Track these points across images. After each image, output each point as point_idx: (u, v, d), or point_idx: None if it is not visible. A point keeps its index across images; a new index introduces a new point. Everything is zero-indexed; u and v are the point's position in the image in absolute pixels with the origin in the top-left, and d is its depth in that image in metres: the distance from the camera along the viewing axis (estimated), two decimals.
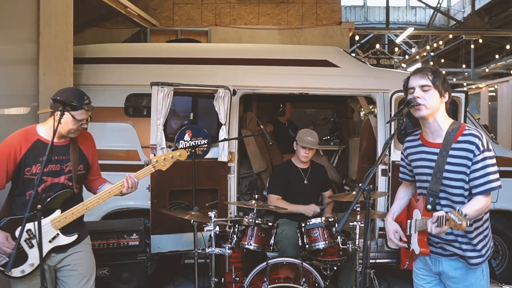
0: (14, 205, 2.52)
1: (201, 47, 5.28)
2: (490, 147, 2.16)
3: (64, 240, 2.56)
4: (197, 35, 7.96)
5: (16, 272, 2.44)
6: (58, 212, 2.53)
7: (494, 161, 2.14)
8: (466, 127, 2.19)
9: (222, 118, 4.08)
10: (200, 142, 4.04)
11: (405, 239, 2.35)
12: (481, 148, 2.11)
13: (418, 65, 15.36)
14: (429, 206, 2.18)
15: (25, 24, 3.63)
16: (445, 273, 2.26)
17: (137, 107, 4.62)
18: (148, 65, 4.48)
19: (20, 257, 2.41)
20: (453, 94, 4.00)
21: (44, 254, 2.44)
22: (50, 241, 2.51)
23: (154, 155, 3.87)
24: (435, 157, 2.20)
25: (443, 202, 2.19)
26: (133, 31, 8.08)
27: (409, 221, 2.35)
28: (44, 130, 2.57)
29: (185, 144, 3.98)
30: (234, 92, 4.25)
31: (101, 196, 2.60)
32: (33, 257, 2.45)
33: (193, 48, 4.93)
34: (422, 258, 2.33)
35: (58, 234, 2.53)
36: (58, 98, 2.42)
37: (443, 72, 15.66)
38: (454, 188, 2.17)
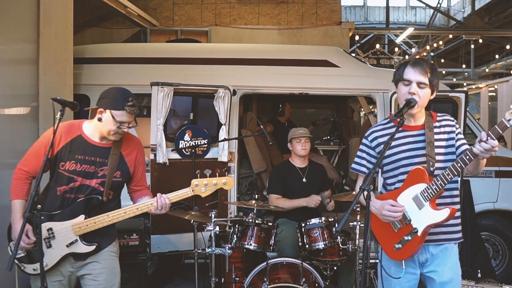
0: (48, 198, 2.45)
1: (201, 47, 5.28)
2: None
3: (82, 248, 2.42)
4: (197, 35, 7.96)
5: (29, 268, 2.39)
6: (81, 217, 2.40)
7: None
8: (437, 114, 2.37)
9: (222, 118, 4.08)
10: (200, 142, 4.04)
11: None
12: (458, 125, 2.36)
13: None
14: (431, 169, 2.17)
15: (25, 24, 3.63)
16: (432, 259, 2.27)
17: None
18: (148, 65, 4.48)
19: (36, 255, 2.34)
20: (453, 94, 4.02)
21: (60, 257, 2.39)
22: (67, 246, 2.40)
23: (156, 157, 3.87)
24: (422, 137, 2.27)
25: (438, 165, 2.19)
26: (133, 31, 8.08)
27: (404, 209, 2.16)
28: (89, 128, 2.48)
29: (185, 144, 3.98)
30: (234, 92, 4.25)
31: (126, 211, 2.42)
32: (48, 257, 2.37)
33: (193, 48, 4.93)
34: None
35: (77, 240, 2.40)
36: (58, 98, 2.40)
37: (443, 72, 15.67)
38: (445, 161, 2.23)
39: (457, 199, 2.33)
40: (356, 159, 2.43)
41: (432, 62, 2.40)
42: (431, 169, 2.17)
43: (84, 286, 2.52)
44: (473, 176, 3.24)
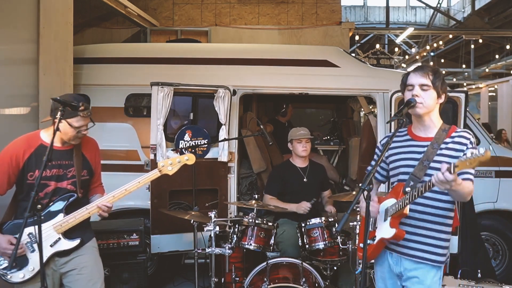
0: (19, 210, 2.51)
1: (201, 47, 5.28)
2: None
3: (66, 244, 2.51)
4: (197, 35, 7.96)
5: (16, 277, 2.41)
6: (60, 216, 2.50)
7: None
8: (457, 128, 2.26)
9: (222, 118, 4.08)
10: (200, 142, 4.04)
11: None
12: (474, 145, 2.19)
13: (418, 65, 15.33)
14: (407, 189, 2.16)
15: (25, 24, 3.63)
16: (405, 273, 2.26)
17: (137, 107, 4.62)
18: (148, 65, 4.48)
19: (20, 261, 2.39)
20: (453, 94, 4.02)
21: (45, 258, 2.41)
22: (51, 246, 2.47)
23: (156, 157, 3.87)
24: (423, 149, 2.24)
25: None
26: (133, 31, 8.08)
27: (371, 218, 2.31)
28: (47, 136, 2.56)
29: (185, 144, 3.98)
30: (234, 92, 4.25)
31: (99, 204, 2.55)
32: (34, 261, 2.42)
33: (193, 48, 4.93)
34: (384, 258, 2.34)
35: (59, 238, 2.49)
36: (58, 98, 2.41)
37: (443, 72, 15.67)
38: None
39: (445, 226, 2.24)
40: (372, 162, 2.49)
41: (436, 67, 2.39)
42: (407, 189, 2.16)
43: (69, 283, 2.57)
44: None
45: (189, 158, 2.75)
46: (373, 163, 2.44)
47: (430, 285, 2.23)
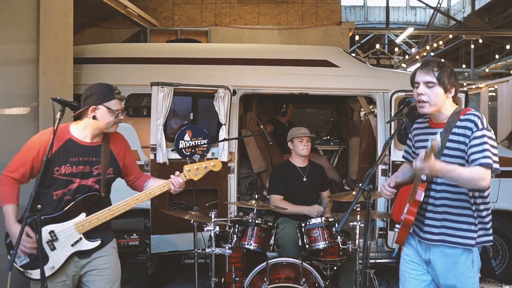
0: (41, 203, 2.39)
1: (201, 47, 5.28)
2: (489, 127, 2.16)
3: (86, 245, 2.47)
4: (197, 35, 7.96)
5: (36, 274, 2.35)
6: (83, 215, 2.45)
7: (494, 142, 2.14)
8: (469, 110, 2.21)
9: (222, 118, 4.08)
10: (200, 142, 4.04)
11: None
12: (480, 126, 2.12)
13: (418, 65, 15.31)
14: (423, 177, 2.16)
15: (25, 24, 3.63)
16: (435, 260, 2.26)
17: (137, 107, 4.62)
18: (148, 65, 4.47)
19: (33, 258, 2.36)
20: None
21: (66, 257, 2.42)
22: (72, 245, 2.43)
23: (156, 157, 3.87)
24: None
25: (438, 179, 2.19)
26: (133, 31, 8.08)
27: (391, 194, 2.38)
28: (77, 130, 2.50)
29: (185, 144, 3.98)
30: (234, 92, 4.25)
31: (128, 203, 2.53)
32: (54, 259, 2.40)
33: (193, 48, 4.93)
34: (413, 243, 2.35)
35: (81, 238, 2.45)
36: (58, 98, 2.41)
37: None
38: (451, 159, 2.16)
39: (465, 209, 2.21)
40: (405, 148, 2.54)
41: (442, 61, 2.38)
42: (423, 177, 2.16)
43: (88, 283, 2.53)
44: None
45: (215, 165, 2.68)
46: (406, 148, 2.53)
47: (463, 271, 2.21)
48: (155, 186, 2.61)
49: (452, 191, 2.20)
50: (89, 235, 2.47)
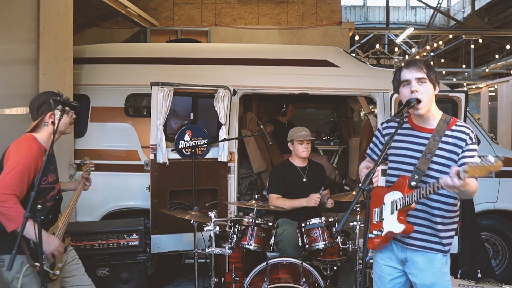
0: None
1: (201, 47, 5.27)
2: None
3: (67, 241, 2.75)
4: (197, 35, 7.95)
5: (54, 274, 2.55)
6: (61, 216, 2.70)
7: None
8: (458, 121, 2.26)
9: (222, 118, 4.08)
10: (200, 142, 4.04)
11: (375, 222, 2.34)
12: (474, 140, 2.19)
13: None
14: (413, 183, 2.17)
15: (25, 24, 3.63)
16: (411, 259, 2.29)
17: (137, 107, 4.62)
18: (148, 65, 4.47)
19: (54, 260, 2.55)
20: (453, 94, 4.02)
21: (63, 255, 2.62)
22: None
23: (156, 157, 3.88)
24: (425, 141, 2.23)
25: (428, 180, 2.19)
26: (133, 31, 8.08)
27: (376, 209, 2.34)
28: (44, 139, 2.59)
29: (185, 144, 3.98)
30: (234, 92, 4.25)
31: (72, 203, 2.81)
32: (59, 258, 2.59)
33: (193, 48, 4.93)
34: (388, 245, 2.35)
35: (64, 236, 2.70)
36: (58, 98, 2.42)
37: (443, 72, 15.65)
38: (438, 172, 2.18)
39: (446, 218, 2.26)
40: (371, 145, 2.52)
41: (424, 59, 2.40)
42: (412, 183, 2.17)
43: (70, 273, 2.71)
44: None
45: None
46: (371, 145, 2.51)
47: (440, 268, 2.26)
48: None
49: (432, 198, 2.22)
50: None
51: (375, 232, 2.30)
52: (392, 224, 2.23)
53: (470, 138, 2.18)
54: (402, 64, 2.31)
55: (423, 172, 2.19)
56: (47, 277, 2.45)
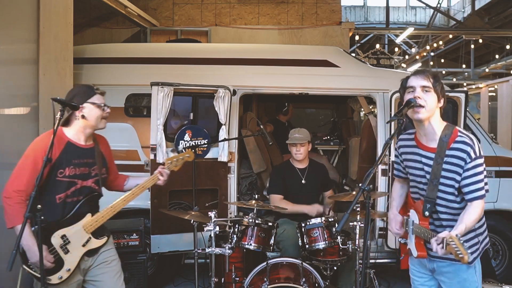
0: (44, 208, 2.38)
1: (201, 47, 5.27)
2: (481, 153, 2.19)
3: (95, 243, 2.60)
4: (197, 35, 7.96)
5: (54, 279, 2.44)
6: (88, 216, 2.58)
7: (483, 167, 2.20)
8: (459, 133, 2.21)
9: (222, 118, 4.08)
10: (200, 142, 4.04)
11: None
12: (473, 156, 2.14)
13: (418, 65, 15.36)
14: (426, 213, 2.22)
15: (25, 24, 3.63)
16: (439, 269, 2.32)
17: (137, 107, 4.62)
18: (148, 65, 4.47)
19: (57, 263, 2.45)
20: (453, 94, 4.02)
21: (79, 258, 2.52)
22: (83, 245, 2.55)
23: (156, 157, 3.88)
24: (430, 162, 2.24)
25: (440, 208, 2.24)
26: (133, 31, 8.08)
27: (405, 217, 2.42)
28: (71, 133, 2.58)
29: (185, 144, 3.98)
30: (234, 92, 4.25)
31: (126, 198, 2.66)
32: (69, 262, 2.49)
33: (193, 48, 4.93)
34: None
35: (90, 238, 2.57)
36: (58, 98, 2.41)
37: (443, 72, 15.64)
38: (448, 194, 2.21)
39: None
40: (395, 165, 2.59)
41: (435, 71, 2.43)
42: (426, 213, 2.22)
43: (96, 276, 2.62)
44: None
45: (190, 156, 3.04)
46: (397, 173, 2.59)
47: (466, 277, 2.28)
48: (145, 180, 2.79)
49: (454, 207, 2.24)
50: (96, 233, 2.59)
51: (403, 240, 2.45)
52: (411, 244, 2.34)
53: (469, 155, 2.13)
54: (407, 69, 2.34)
55: (434, 200, 2.22)
56: (45, 282, 2.38)
